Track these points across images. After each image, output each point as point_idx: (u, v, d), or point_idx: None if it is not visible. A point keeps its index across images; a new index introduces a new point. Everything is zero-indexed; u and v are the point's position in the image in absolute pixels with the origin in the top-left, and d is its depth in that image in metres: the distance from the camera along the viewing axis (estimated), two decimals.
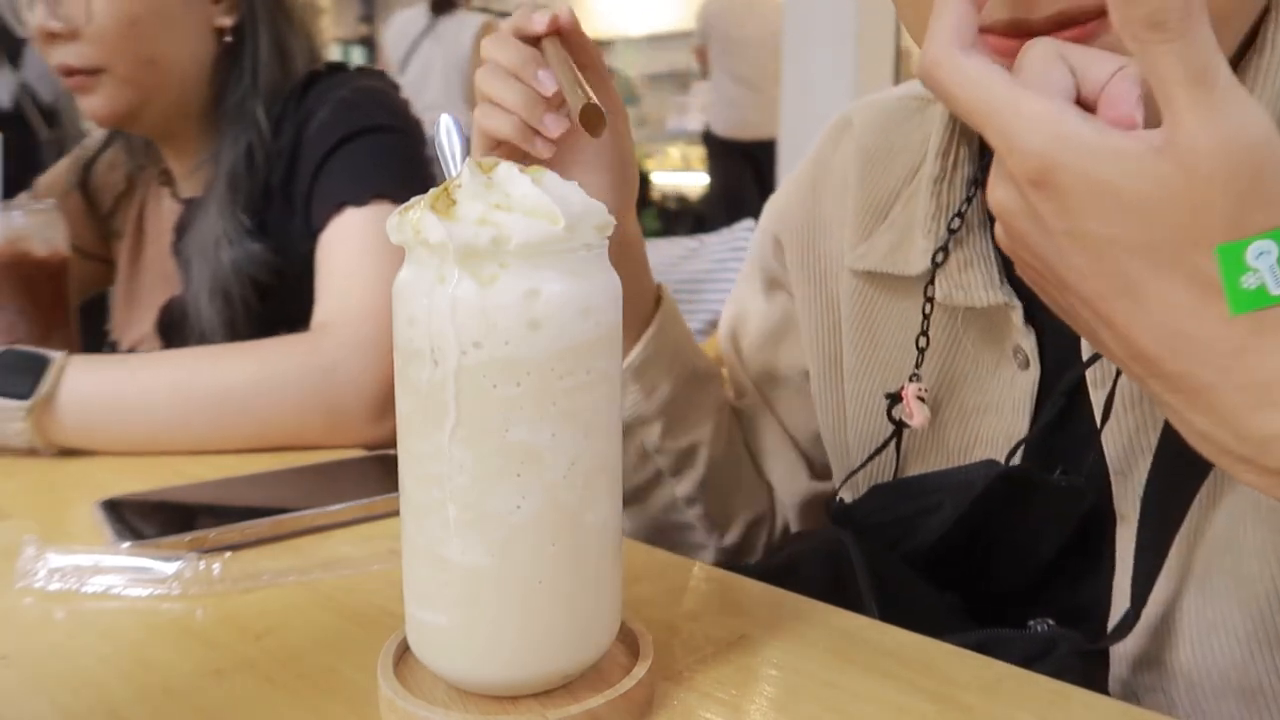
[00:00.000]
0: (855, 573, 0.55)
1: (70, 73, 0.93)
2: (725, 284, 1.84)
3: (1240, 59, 0.51)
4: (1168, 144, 0.34)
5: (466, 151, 0.46)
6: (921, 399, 0.62)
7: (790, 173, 0.79)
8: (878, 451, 0.66)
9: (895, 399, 0.63)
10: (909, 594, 0.56)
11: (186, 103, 0.99)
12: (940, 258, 0.61)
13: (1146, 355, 0.37)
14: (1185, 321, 0.35)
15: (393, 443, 0.43)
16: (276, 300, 0.96)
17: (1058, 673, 0.46)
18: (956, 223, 0.61)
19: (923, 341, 0.63)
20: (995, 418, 0.61)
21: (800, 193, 0.75)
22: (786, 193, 0.77)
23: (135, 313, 1.08)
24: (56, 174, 1.15)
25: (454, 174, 0.46)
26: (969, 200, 0.61)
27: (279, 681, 0.46)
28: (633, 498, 0.75)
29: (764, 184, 4.29)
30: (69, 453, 0.79)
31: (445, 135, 0.46)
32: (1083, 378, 0.56)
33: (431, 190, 0.40)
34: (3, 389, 0.77)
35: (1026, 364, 0.59)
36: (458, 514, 0.39)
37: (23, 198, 1.07)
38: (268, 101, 0.98)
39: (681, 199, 6.08)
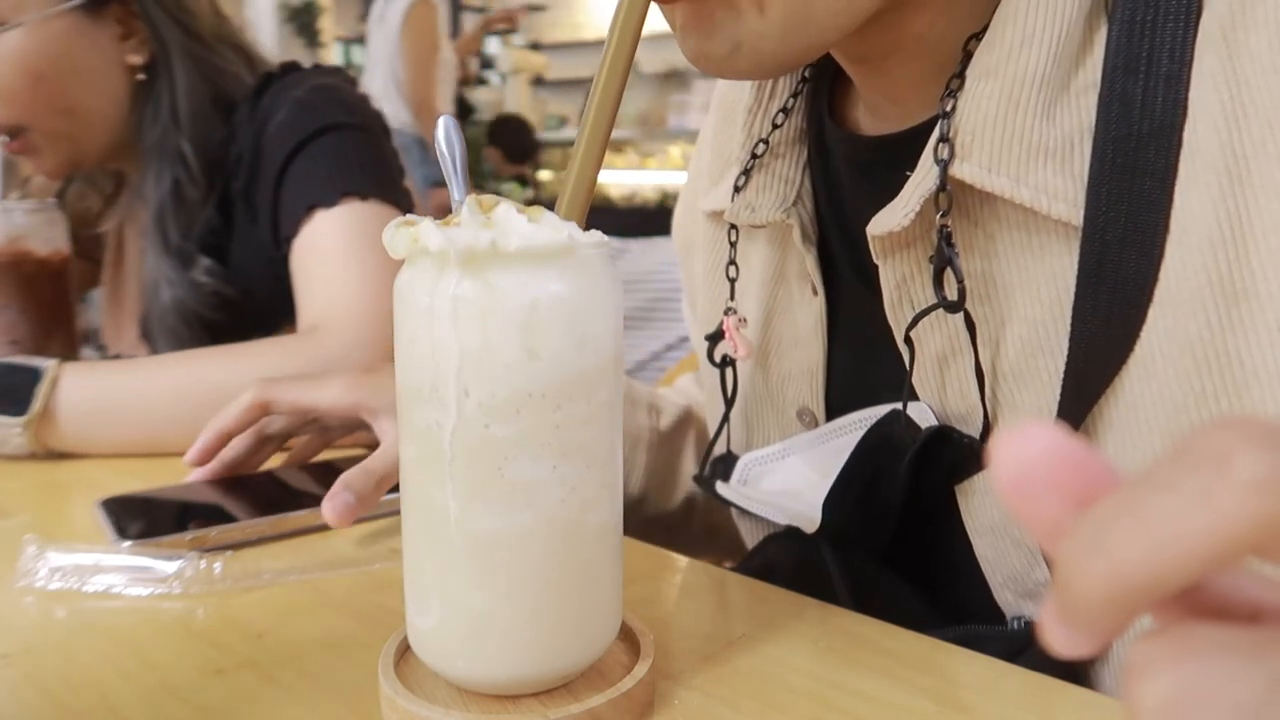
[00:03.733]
0: (830, 576, 0.55)
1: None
2: None
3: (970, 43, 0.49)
4: None
5: (465, 155, 0.46)
6: (741, 330, 0.61)
7: None
8: (728, 407, 0.64)
9: (717, 337, 0.63)
10: (885, 595, 0.56)
11: (118, 141, 0.98)
12: (742, 181, 0.61)
13: None
14: None
15: None
16: (238, 322, 0.96)
17: (1037, 669, 0.46)
18: (761, 148, 0.60)
19: (732, 271, 0.62)
20: (800, 352, 0.61)
21: (685, 190, 0.77)
22: (678, 203, 0.78)
23: (120, 318, 1.08)
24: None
25: (453, 175, 0.46)
26: (776, 128, 0.60)
27: (280, 680, 0.46)
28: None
29: None
30: (70, 453, 0.79)
31: (445, 138, 0.46)
32: (881, 311, 0.53)
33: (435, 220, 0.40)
34: None
35: (815, 290, 0.59)
36: (457, 519, 0.40)
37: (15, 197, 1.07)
38: (194, 131, 0.96)
39: None
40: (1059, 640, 0.21)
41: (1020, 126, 0.45)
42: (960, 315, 0.49)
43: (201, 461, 0.71)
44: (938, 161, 0.47)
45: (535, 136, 5.48)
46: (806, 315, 0.60)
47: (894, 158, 0.51)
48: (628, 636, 0.46)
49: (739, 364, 0.64)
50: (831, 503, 0.55)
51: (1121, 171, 0.44)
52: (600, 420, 0.41)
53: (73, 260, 0.98)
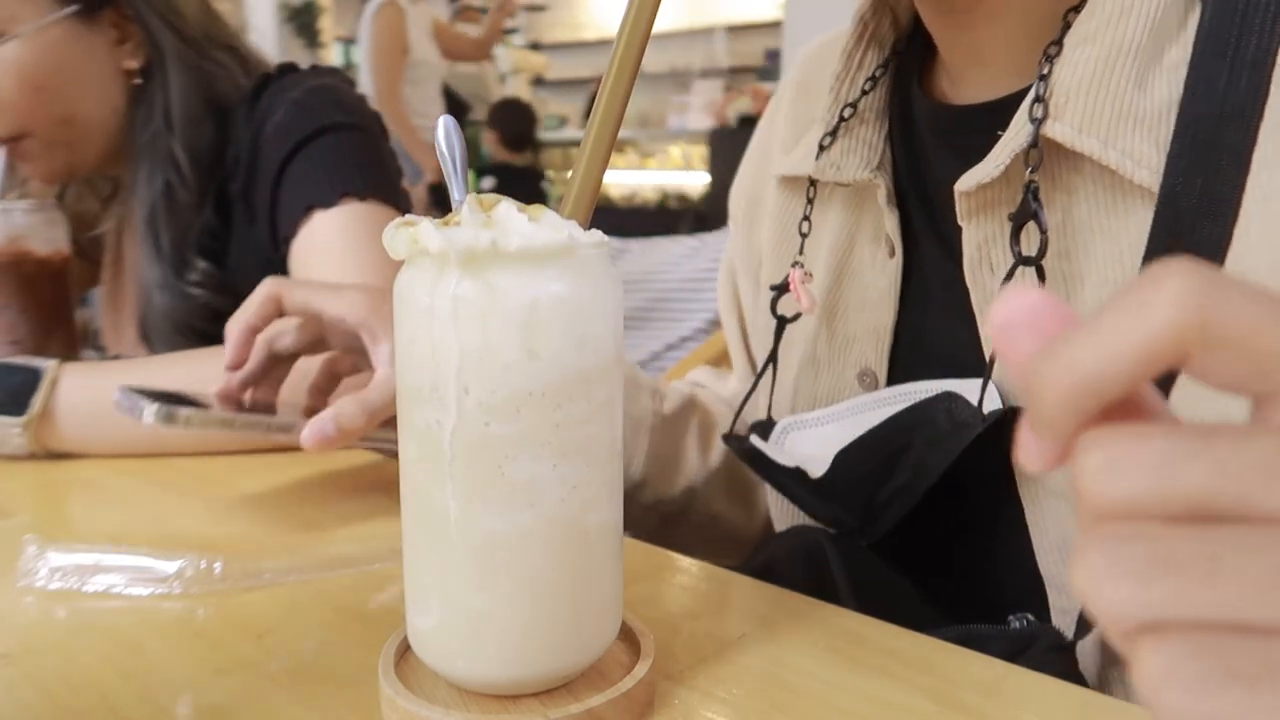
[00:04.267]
0: (832, 573, 0.55)
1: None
2: None
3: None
4: None
5: (466, 155, 0.46)
6: (806, 285, 0.62)
7: None
8: (771, 359, 0.65)
9: (782, 289, 0.64)
10: (887, 592, 0.56)
11: (113, 146, 0.98)
12: (827, 141, 0.62)
13: None
14: None
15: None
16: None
17: (1037, 669, 0.46)
18: (848, 112, 0.62)
19: (805, 227, 0.64)
20: (868, 313, 0.62)
21: (747, 162, 0.77)
22: (746, 156, 0.79)
23: (120, 318, 1.08)
24: None
25: (453, 175, 0.46)
26: (864, 94, 0.62)
27: (280, 680, 0.46)
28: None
29: None
30: (70, 453, 0.79)
31: (444, 138, 0.46)
32: (960, 274, 0.54)
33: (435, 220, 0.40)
34: None
35: (892, 251, 0.60)
36: (458, 519, 0.40)
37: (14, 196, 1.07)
38: (186, 134, 0.96)
39: (682, 198, 6.08)
40: (1030, 453, 0.25)
41: (1114, 90, 0.48)
42: (1034, 273, 0.50)
43: (238, 363, 0.70)
44: (1032, 120, 0.49)
45: (535, 124, 5.43)
46: (879, 277, 0.61)
47: (979, 125, 0.53)
48: (628, 636, 0.46)
49: (799, 324, 0.65)
50: (844, 458, 0.56)
51: (1202, 147, 0.46)
52: (601, 419, 0.41)
53: (73, 260, 0.98)
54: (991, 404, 0.53)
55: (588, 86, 6.72)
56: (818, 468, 0.58)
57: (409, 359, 0.40)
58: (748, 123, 5.64)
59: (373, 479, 0.76)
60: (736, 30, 6.86)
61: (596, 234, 0.41)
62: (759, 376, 0.67)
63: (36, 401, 0.76)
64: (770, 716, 0.43)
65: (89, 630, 0.51)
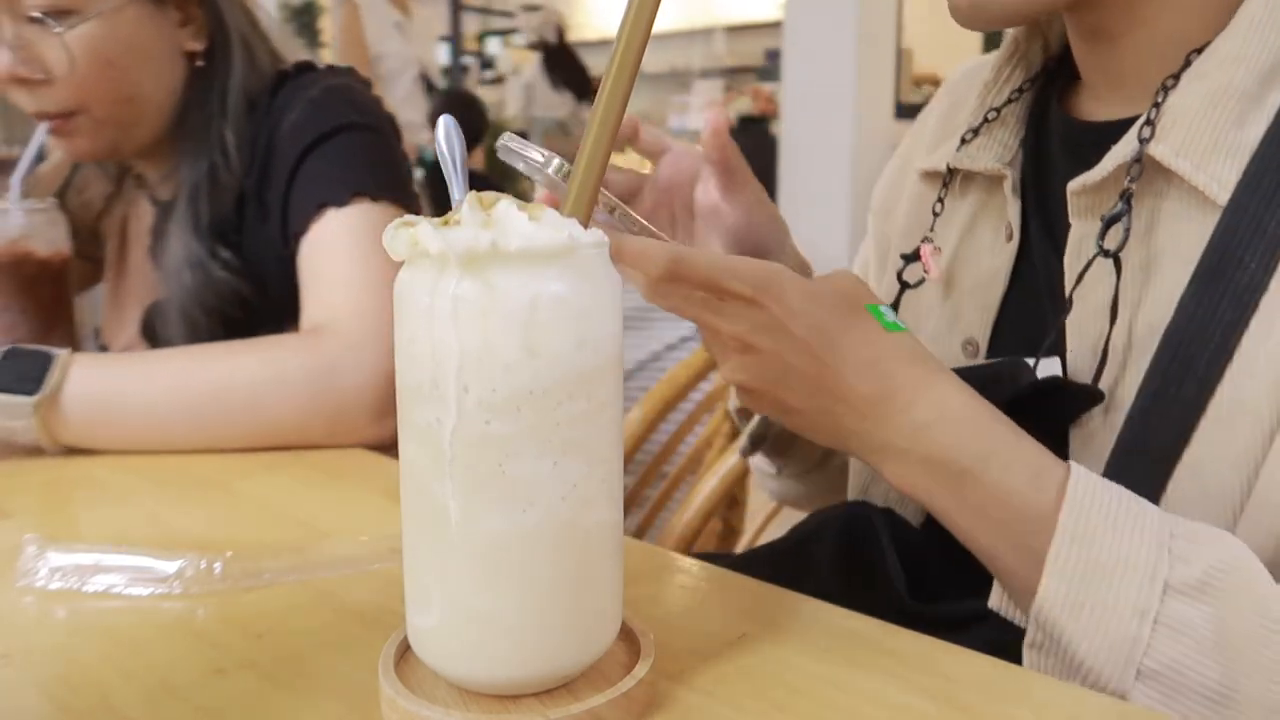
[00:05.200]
0: (875, 543, 0.59)
1: (46, 117, 0.92)
2: None
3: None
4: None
5: (465, 154, 0.46)
6: (935, 257, 0.68)
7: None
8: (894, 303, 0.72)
9: (912, 258, 0.69)
10: (932, 561, 0.58)
11: (161, 128, 0.98)
12: (969, 136, 0.69)
13: (844, 387, 0.52)
14: (868, 347, 0.52)
15: (393, 441, 0.44)
16: (250, 317, 0.96)
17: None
18: (993, 114, 0.69)
19: (938, 208, 0.71)
20: (978, 291, 0.68)
21: (889, 169, 0.83)
22: (881, 180, 0.85)
23: (122, 315, 1.08)
24: (44, 175, 1.14)
25: (453, 175, 0.46)
26: (1009, 101, 0.69)
27: (280, 680, 0.46)
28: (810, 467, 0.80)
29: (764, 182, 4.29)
30: (70, 452, 0.80)
31: (444, 137, 0.46)
32: (1062, 266, 0.60)
33: (434, 219, 0.40)
34: (9, 385, 0.77)
35: (1010, 235, 0.66)
36: (458, 519, 0.40)
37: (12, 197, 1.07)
38: (235, 120, 0.97)
39: None
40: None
41: (1214, 124, 0.54)
42: (1112, 263, 0.56)
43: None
44: (1140, 140, 0.56)
45: (487, 118, 5.26)
46: (995, 258, 0.67)
47: (1102, 139, 0.59)
48: (628, 636, 0.46)
49: (919, 295, 0.71)
50: None
51: (1267, 172, 0.53)
52: (601, 418, 0.41)
53: (73, 260, 0.98)
54: (1048, 372, 0.59)
55: None
56: None
57: (409, 358, 0.40)
58: (748, 123, 5.63)
59: (373, 479, 0.76)
60: (736, 30, 6.86)
61: (597, 233, 0.41)
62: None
63: (49, 383, 0.76)
64: (770, 716, 0.43)
65: (89, 630, 0.51)
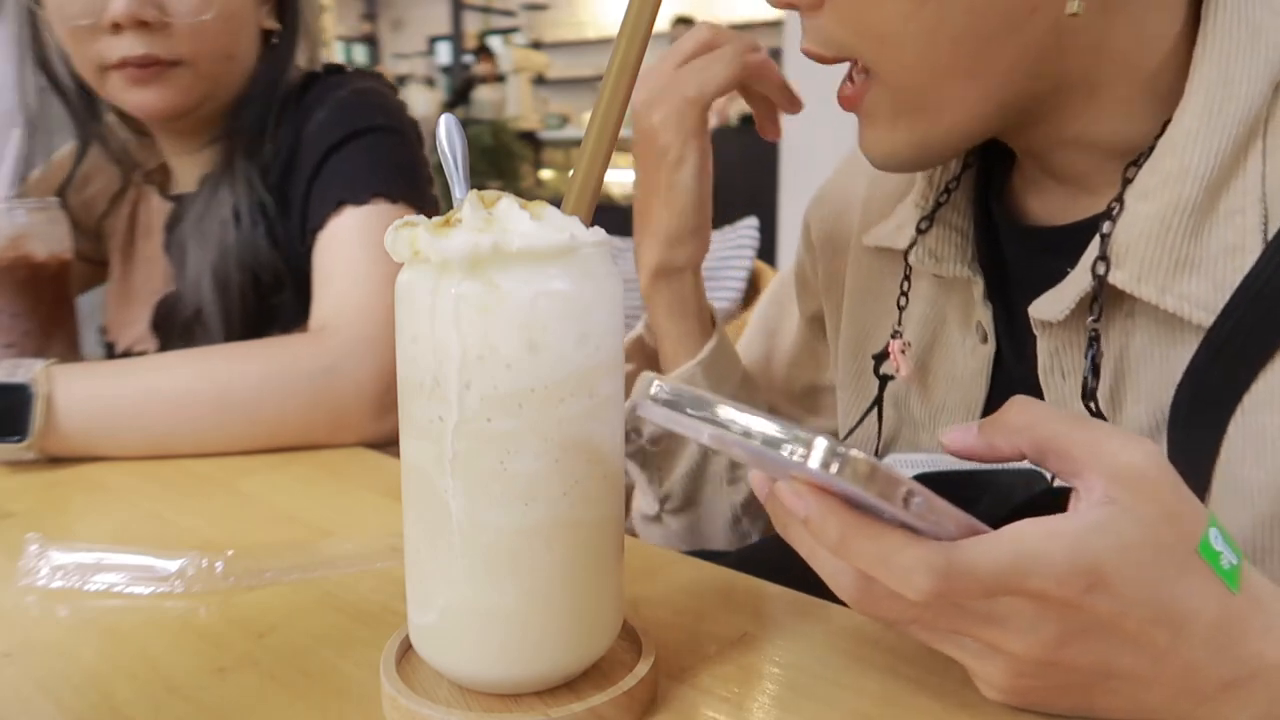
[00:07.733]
0: None
1: (147, 63, 0.91)
2: (728, 281, 1.84)
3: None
4: (1108, 493, 0.38)
5: (466, 153, 0.46)
6: (904, 352, 0.66)
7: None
8: (871, 408, 0.69)
9: (882, 356, 0.67)
10: None
11: (233, 96, 0.99)
12: (924, 226, 0.66)
13: (1194, 666, 0.39)
14: (1215, 613, 0.38)
15: (395, 439, 0.43)
16: (274, 298, 0.96)
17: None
18: (945, 197, 0.65)
19: (902, 301, 0.68)
20: (959, 388, 0.65)
21: (842, 174, 0.80)
22: (831, 177, 0.82)
23: (130, 312, 1.08)
24: (44, 175, 1.14)
25: (454, 173, 0.46)
26: (958, 179, 0.65)
27: (282, 679, 0.46)
28: (686, 503, 0.77)
29: (766, 182, 4.29)
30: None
31: (445, 136, 0.46)
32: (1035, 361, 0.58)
33: (434, 219, 0.40)
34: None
35: (985, 338, 0.63)
36: (460, 516, 0.40)
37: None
38: (286, 100, 0.99)
39: None
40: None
41: (1170, 244, 0.52)
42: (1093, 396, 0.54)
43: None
44: (1095, 276, 0.53)
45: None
46: (970, 359, 0.64)
47: (1057, 247, 0.57)
48: (630, 635, 0.46)
49: (894, 385, 0.68)
50: (919, 479, 0.58)
51: (1258, 305, 0.50)
52: (602, 416, 0.41)
53: (73, 261, 0.98)
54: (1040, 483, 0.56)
55: (589, 85, 6.71)
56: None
57: (411, 357, 0.40)
58: (749, 122, 5.63)
59: (374, 477, 0.76)
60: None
61: (598, 232, 0.41)
62: (853, 428, 0.70)
63: (35, 422, 0.76)
64: (772, 715, 0.43)
65: (90, 629, 0.51)
